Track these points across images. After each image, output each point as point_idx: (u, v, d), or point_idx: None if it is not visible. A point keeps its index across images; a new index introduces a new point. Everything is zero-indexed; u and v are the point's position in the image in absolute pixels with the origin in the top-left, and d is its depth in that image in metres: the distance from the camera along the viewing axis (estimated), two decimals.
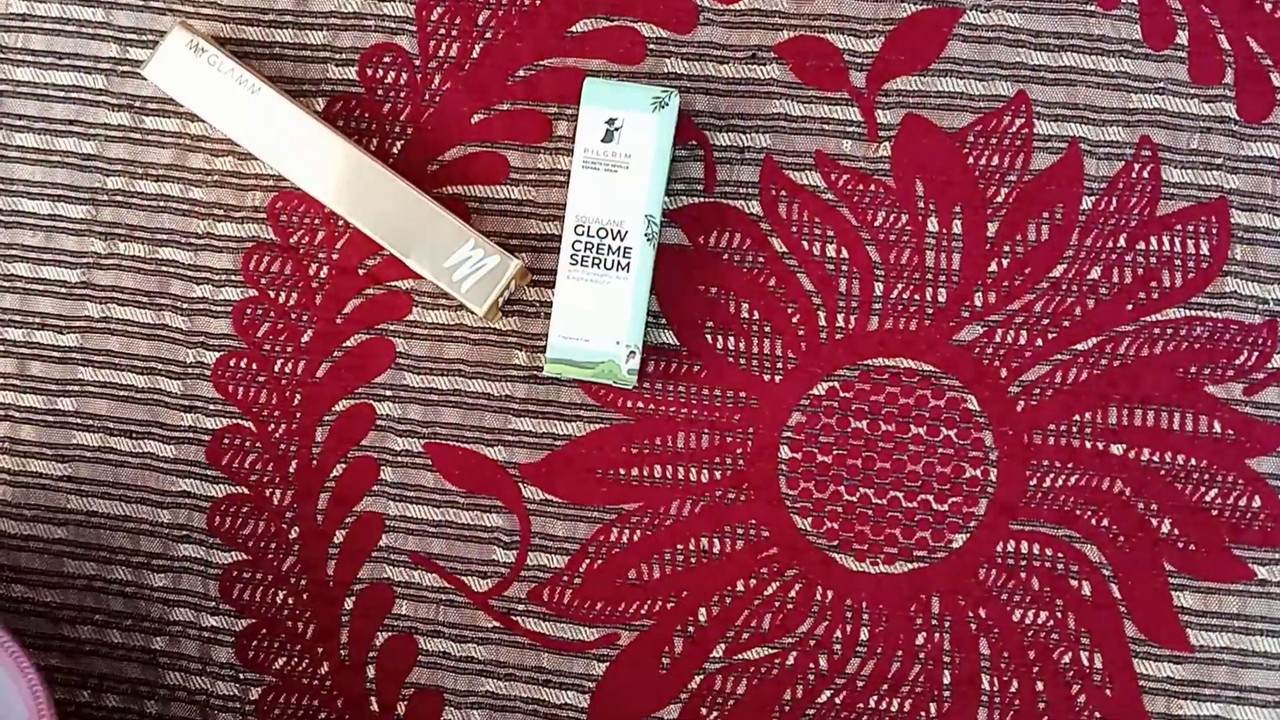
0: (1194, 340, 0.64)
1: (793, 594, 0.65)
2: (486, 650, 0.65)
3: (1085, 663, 0.64)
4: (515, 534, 0.65)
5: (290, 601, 0.66)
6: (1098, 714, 0.64)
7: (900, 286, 0.65)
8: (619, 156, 0.60)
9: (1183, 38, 0.65)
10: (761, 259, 0.65)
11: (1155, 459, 0.64)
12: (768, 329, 0.65)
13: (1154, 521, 0.64)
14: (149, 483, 0.66)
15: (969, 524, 0.64)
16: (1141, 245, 0.65)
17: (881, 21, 0.65)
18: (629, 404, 0.65)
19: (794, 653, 0.64)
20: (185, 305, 0.66)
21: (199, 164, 0.66)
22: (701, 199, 0.66)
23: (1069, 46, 0.65)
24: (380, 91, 0.66)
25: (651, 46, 0.65)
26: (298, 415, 0.66)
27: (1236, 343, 0.64)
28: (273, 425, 0.66)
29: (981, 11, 0.65)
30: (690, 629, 0.65)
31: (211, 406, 0.66)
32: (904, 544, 0.64)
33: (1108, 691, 0.64)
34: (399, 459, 0.66)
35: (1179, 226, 0.65)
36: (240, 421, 0.66)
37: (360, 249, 0.66)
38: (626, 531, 0.65)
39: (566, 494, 0.65)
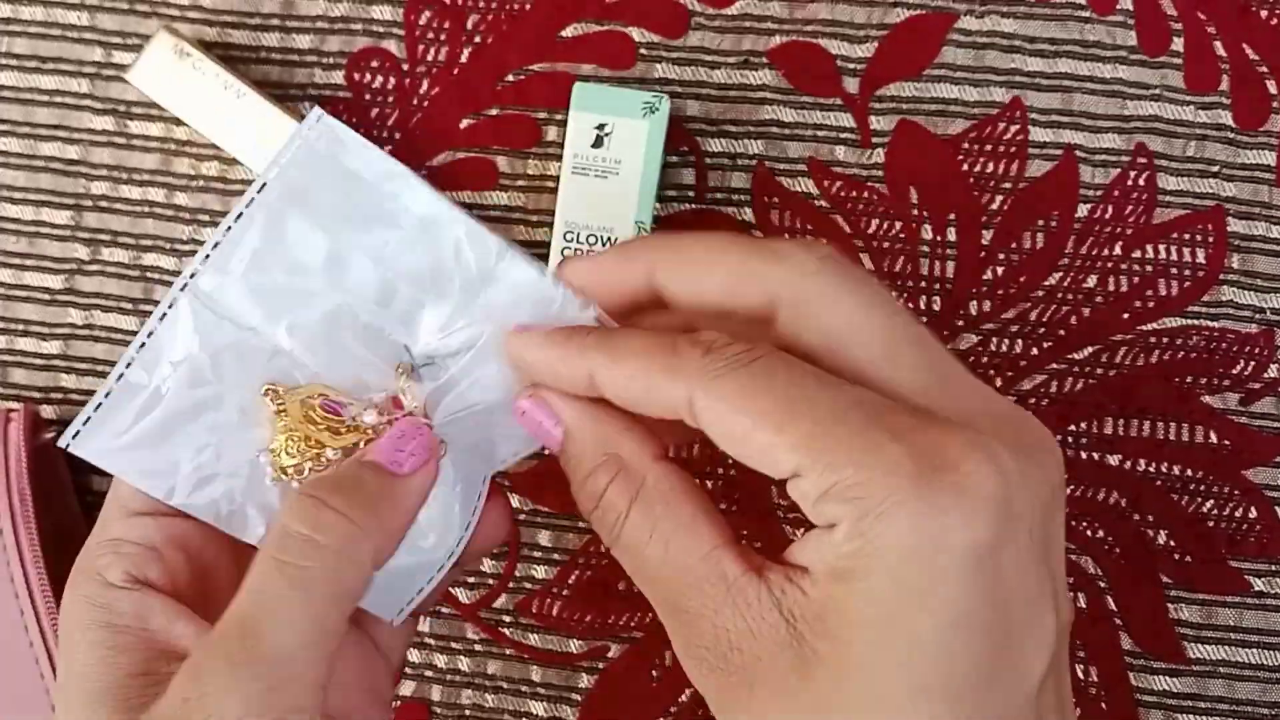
0: (1190, 350, 0.64)
1: None
2: (474, 662, 0.65)
3: (1081, 676, 0.63)
4: (503, 544, 0.64)
5: None
6: None
7: (894, 294, 0.64)
8: (609, 162, 0.59)
9: (1178, 44, 0.64)
10: None
11: (1151, 469, 0.63)
12: None
13: (1150, 533, 0.63)
14: None
15: None
16: (1138, 253, 0.64)
17: (875, 27, 0.64)
18: None
19: None
20: None
21: (184, 169, 0.65)
22: (693, 206, 0.65)
23: (1064, 53, 0.64)
24: (368, 96, 0.65)
25: (642, 51, 0.65)
26: None
27: (1233, 352, 0.64)
28: None
29: (975, 17, 0.64)
30: None
31: None
32: None
33: (1103, 705, 0.63)
34: None
35: (1175, 235, 0.64)
36: None
37: None
38: None
39: (555, 504, 0.64)
